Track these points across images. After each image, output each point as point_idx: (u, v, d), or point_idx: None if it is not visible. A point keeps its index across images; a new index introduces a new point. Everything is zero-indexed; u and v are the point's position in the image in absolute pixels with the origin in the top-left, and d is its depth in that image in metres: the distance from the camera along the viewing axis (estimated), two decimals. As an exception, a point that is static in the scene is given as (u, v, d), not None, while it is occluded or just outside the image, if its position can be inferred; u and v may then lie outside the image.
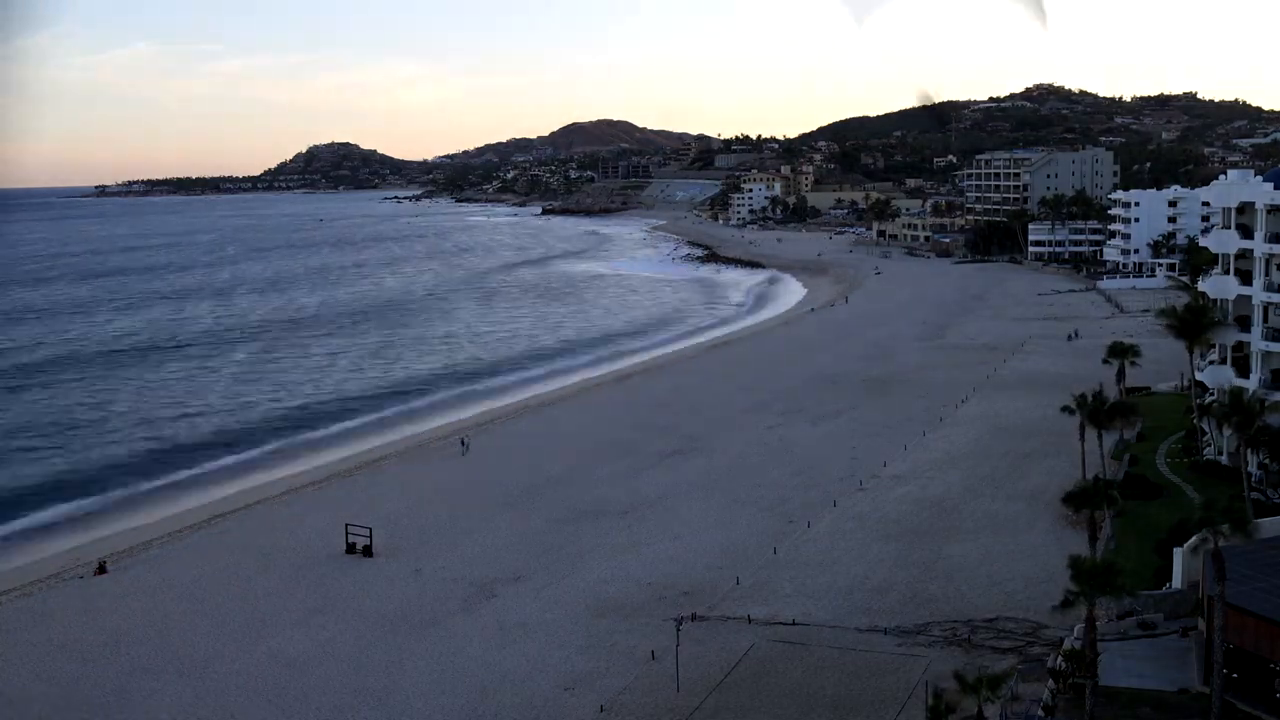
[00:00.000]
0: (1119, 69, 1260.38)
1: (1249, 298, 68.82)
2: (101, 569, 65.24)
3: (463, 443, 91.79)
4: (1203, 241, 79.75)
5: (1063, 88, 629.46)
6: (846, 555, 61.42)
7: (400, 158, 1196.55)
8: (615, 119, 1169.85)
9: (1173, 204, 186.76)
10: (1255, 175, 75.47)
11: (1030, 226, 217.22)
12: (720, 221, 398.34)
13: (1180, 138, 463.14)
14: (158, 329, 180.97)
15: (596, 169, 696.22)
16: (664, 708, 44.92)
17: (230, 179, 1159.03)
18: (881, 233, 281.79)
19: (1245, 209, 69.44)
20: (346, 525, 67.28)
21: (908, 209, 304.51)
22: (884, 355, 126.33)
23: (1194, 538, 46.13)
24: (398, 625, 55.17)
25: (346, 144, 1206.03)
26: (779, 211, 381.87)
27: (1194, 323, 72.45)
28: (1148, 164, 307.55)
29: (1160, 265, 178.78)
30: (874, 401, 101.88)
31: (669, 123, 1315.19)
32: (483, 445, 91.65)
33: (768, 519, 68.80)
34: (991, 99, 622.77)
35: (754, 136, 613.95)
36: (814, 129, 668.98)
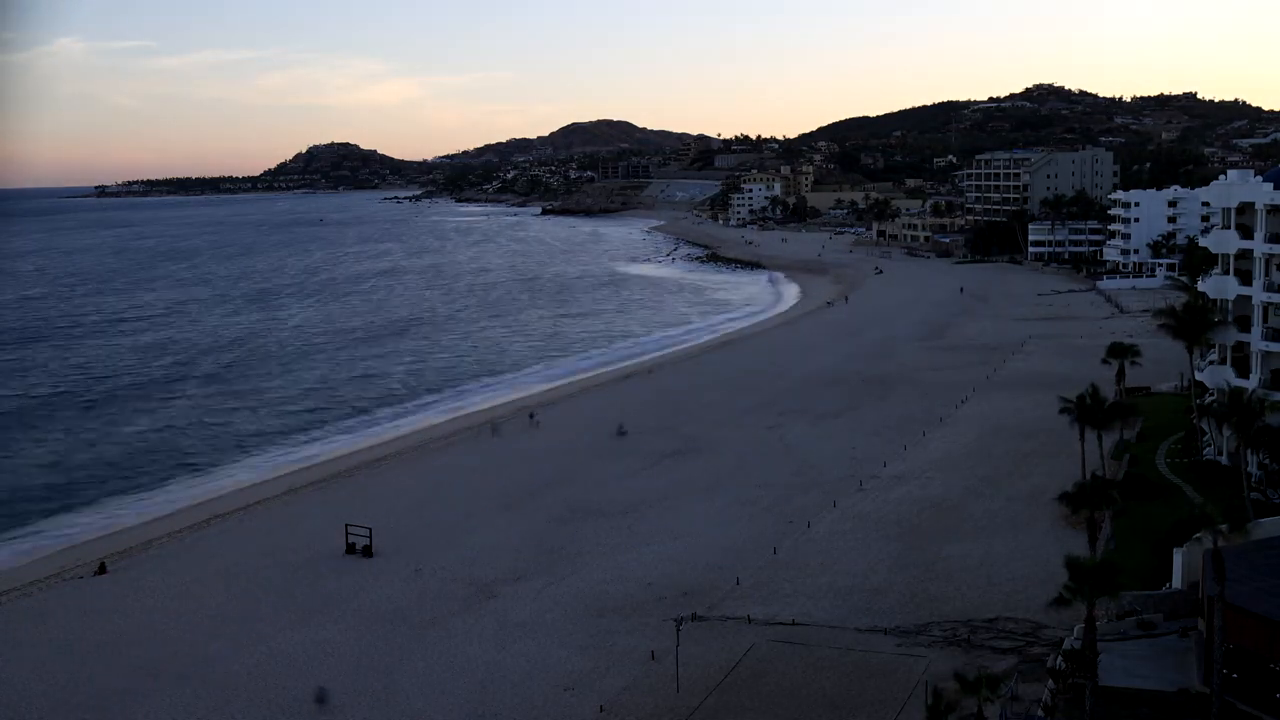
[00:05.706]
0: (1119, 69, 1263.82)
1: (1249, 298, 68.84)
2: (101, 569, 65.23)
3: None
4: (1203, 241, 79.68)
5: (1063, 88, 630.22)
6: (846, 555, 61.43)
7: (400, 158, 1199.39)
8: (615, 119, 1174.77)
9: (1172, 204, 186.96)
10: (1255, 175, 75.43)
11: (1030, 226, 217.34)
12: (720, 222, 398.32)
13: (1180, 138, 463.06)
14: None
15: (596, 169, 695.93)
16: (664, 708, 44.91)
17: (230, 179, 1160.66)
18: (881, 233, 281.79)
19: (1245, 209, 69.46)
20: (346, 525, 67.27)
21: (908, 209, 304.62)
22: (884, 355, 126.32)
23: (1193, 538, 46.15)
24: (397, 625, 55.16)
25: (346, 144, 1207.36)
26: (779, 212, 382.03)
27: (1193, 323, 72.54)
28: (1148, 164, 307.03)
29: (1160, 265, 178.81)
30: (874, 401, 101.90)
31: (669, 123, 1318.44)
32: (483, 445, 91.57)
33: (768, 519, 68.82)
34: (991, 99, 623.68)
35: (754, 136, 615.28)
36: (814, 129, 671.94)
